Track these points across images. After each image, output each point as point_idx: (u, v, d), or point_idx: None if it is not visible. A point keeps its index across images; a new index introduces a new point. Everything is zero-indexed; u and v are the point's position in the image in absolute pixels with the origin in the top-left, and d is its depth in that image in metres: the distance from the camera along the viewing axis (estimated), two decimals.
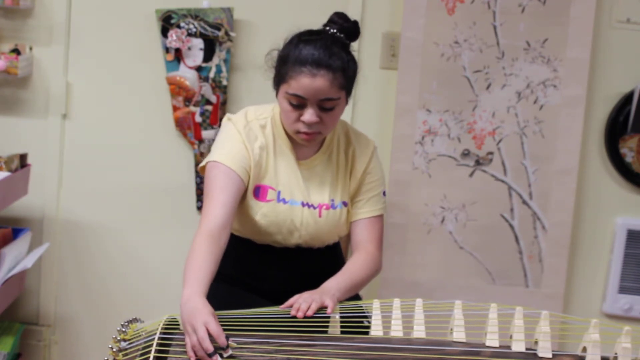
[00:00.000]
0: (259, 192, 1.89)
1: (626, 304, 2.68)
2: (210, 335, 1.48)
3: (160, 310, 1.89)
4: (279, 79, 1.84)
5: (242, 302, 1.79)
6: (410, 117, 2.55)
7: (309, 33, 1.84)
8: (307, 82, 1.76)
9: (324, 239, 1.96)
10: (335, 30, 1.84)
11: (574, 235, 2.62)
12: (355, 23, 1.89)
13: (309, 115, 1.79)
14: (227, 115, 1.94)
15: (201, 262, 1.66)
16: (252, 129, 1.90)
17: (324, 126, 1.83)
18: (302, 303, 1.66)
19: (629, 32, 2.58)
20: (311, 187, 1.92)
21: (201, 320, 1.50)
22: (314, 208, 1.91)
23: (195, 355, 1.48)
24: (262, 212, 1.89)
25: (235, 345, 1.50)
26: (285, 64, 1.81)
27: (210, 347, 1.47)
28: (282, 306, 1.69)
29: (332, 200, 1.93)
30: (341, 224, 1.95)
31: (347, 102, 1.88)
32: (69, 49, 2.65)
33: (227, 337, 1.50)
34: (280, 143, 1.92)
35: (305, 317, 1.63)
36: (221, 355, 1.48)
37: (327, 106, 1.80)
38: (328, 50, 1.78)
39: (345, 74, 1.81)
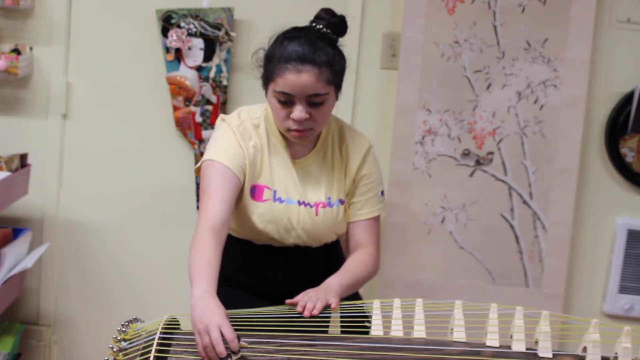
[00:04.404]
0: (255, 191, 1.89)
1: (626, 303, 2.68)
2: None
3: (161, 310, 1.89)
4: (267, 78, 1.85)
5: (241, 304, 1.78)
6: (410, 117, 2.55)
7: (294, 30, 1.85)
8: (292, 78, 1.77)
9: (322, 238, 1.96)
10: (321, 26, 1.85)
11: (574, 235, 2.62)
12: (342, 18, 1.89)
13: (298, 112, 1.80)
14: (221, 115, 1.94)
15: (208, 259, 1.65)
16: (246, 128, 1.90)
17: (315, 122, 1.83)
18: (308, 302, 1.67)
19: (629, 32, 2.58)
20: (307, 185, 1.92)
21: (215, 322, 1.49)
22: (311, 206, 1.91)
23: (207, 355, 1.48)
24: (259, 212, 1.89)
25: (246, 345, 1.50)
26: (271, 62, 1.82)
27: (223, 352, 1.46)
28: (288, 301, 1.70)
29: (329, 198, 1.93)
30: (338, 222, 1.95)
31: (337, 97, 1.88)
32: (69, 49, 2.65)
33: (239, 338, 1.49)
34: (274, 142, 1.92)
35: (311, 316, 1.63)
36: (231, 357, 1.48)
37: (315, 101, 1.80)
38: (313, 46, 1.78)
39: (332, 68, 1.81)
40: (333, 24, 1.86)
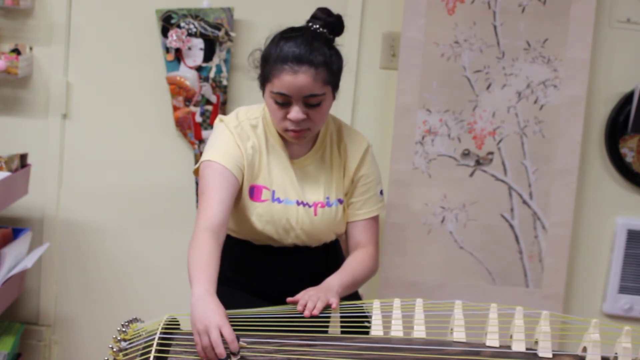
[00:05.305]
0: (253, 192, 1.89)
1: (626, 303, 2.68)
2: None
3: (161, 310, 1.89)
4: (264, 79, 1.85)
5: (240, 304, 1.78)
6: (410, 117, 2.55)
7: (290, 30, 1.84)
8: (289, 79, 1.77)
9: (321, 238, 1.96)
10: (317, 26, 1.84)
11: (574, 235, 2.62)
12: (339, 17, 1.89)
13: (295, 112, 1.80)
14: (219, 116, 1.95)
15: (207, 259, 1.65)
16: (244, 129, 1.90)
17: (312, 122, 1.83)
18: (309, 302, 1.66)
19: (629, 32, 2.58)
20: (305, 185, 1.92)
21: (215, 323, 1.49)
22: (309, 207, 1.91)
23: (206, 355, 1.48)
24: (258, 212, 1.89)
25: (246, 345, 1.50)
26: (267, 63, 1.82)
27: (223, 353, 1.46)
28: (289, 299, 1.70)
29: (327, 198, 1.93)
30: (337, 222, 1.95)
31: (334, 97, 1.88)
32: (69, 49, 2.65)
33: (238, 338, 1.49)
34: (272, 142, 1.92)
35: (311, 316, 1.63)
36: (230, 358, 1.47)
37: (312, 102, 1.80)
38: (309, 46, 1.78)
39: (329, 68, 1.81)
40: (329, 24, 1.86)
